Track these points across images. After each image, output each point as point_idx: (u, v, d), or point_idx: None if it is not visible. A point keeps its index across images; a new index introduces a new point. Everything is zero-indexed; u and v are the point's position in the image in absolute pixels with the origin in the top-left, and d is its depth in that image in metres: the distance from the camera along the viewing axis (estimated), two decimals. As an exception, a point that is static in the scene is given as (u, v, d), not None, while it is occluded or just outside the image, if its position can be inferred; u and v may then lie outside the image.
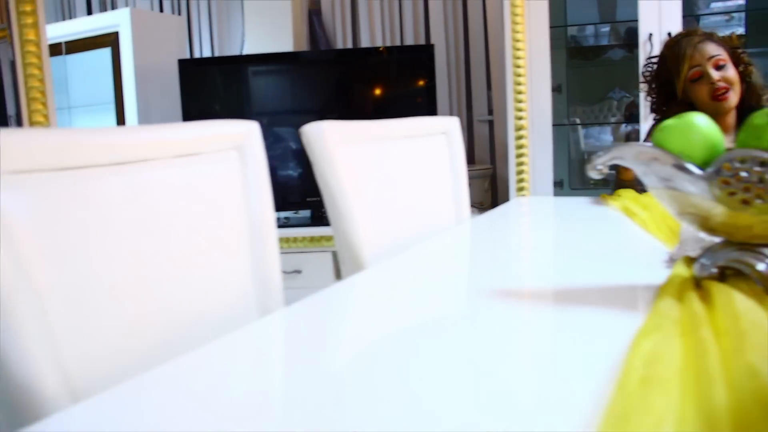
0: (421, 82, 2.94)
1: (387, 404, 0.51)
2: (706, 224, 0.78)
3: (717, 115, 1.72)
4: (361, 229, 1.21)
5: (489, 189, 3.37)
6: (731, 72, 1.67)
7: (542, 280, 0.95)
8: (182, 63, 2.97)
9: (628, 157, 0.81)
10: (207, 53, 3.99)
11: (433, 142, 1.46)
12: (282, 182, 3.01)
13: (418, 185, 1.39)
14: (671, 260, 0.96)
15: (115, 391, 0.55)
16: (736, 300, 0.67)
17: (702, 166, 0.76)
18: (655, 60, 1.83)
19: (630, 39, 2.89)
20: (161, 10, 4.12)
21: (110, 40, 3.51)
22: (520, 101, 2.54)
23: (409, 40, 3.52)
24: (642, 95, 1.98)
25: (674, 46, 1.73)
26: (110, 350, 0.77)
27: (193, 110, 2.98)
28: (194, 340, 0.70)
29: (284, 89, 3.13)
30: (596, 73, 3.36)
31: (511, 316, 0.76)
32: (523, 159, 2.57)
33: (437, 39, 3.49)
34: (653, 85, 1.82)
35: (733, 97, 1.68)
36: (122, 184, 0.82)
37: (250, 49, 3.76)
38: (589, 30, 3.29)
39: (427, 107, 2.90)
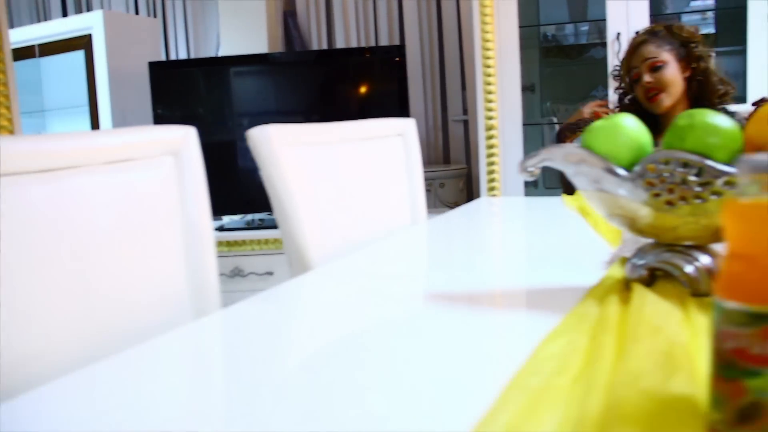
0: (391, 83, 2.93)
1: (309, 406, 0.51)
2: (634, 226, 0.78)
3: (662, 115, 1.75)
4: (308, 231, 1.20)
5: (464, 189, 3.37)
6: (669, 72, 1.72)
7: (482, 283, 0.94)
8: (153, 65, 2.95)
9: (558, 158, 0.80)
10: (183, 55, 3.97)
11: (388, 144, 1.45)
12: (257, 184, 2.99)
13: (372, 187, 1.39)
14: (610, 261, 0.96)
15: (38, 392, 0.55)
16: (647, 303, 0.67)
17: (628, 168, 0.75)
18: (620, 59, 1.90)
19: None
20: (137, 12, 4.10)
21: (83, 43, 3.48)
22: (490, 101, 2.54)
23: (384, 41, 3.51)
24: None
25: (628, 47, 1.81)
26: (37, 357, 0.76)
27: (164, 113, 2.96)
28: (126, 345, 0.69)
29: (256, 91, 3.12)
30: (579, 72, 3.35)
31: (439, 318, 0.75)
32: (494, 159, 2.57)
33: (411, 40, 3.48)
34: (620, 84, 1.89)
35: (666, 99, 1.73)
36: (49, 192, 0.81)
37: (225, 50, 3.74)
38: (569, 29, 3.30)
39: (399, 108, 2.89)
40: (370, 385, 0.56)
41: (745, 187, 0.40)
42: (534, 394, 0.47)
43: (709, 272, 0.74)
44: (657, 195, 0.73)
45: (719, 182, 0.70)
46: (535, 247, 1.16)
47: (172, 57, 3.98)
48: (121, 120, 3.40)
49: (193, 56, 3.93)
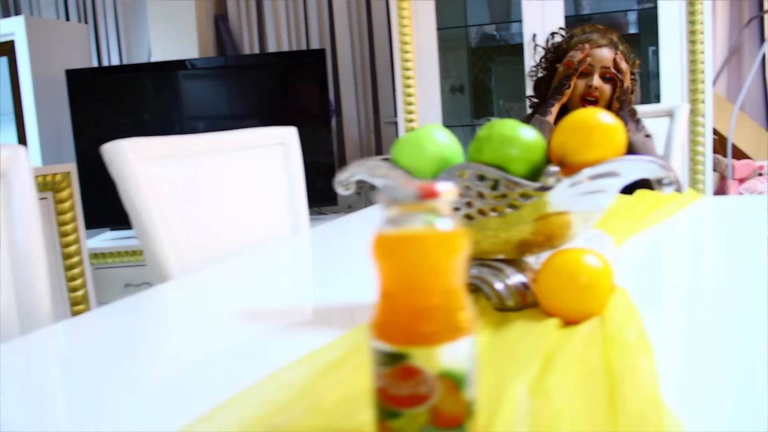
0: (313, 87, 2.89)
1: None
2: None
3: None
4: (169, 247, 1.17)
5: (398, 192, 3.34)
6: (609, 89, 1.69)
7: (321, 296, 0.91)
8: (70, 73, 2.88)
9: (364, 172, 0.78)
10: (115, 61, 3.89)
11: (268, 153, 1.42)
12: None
13: (246, 197, 1.35)
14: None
15: None
16: None
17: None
18: (552, 46, 1.82)
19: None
20: (67, 18, 4.00)
21: (7, 49, 3.39)
22: (410, 103, 2.51)
23: (315, 44, 3.47)
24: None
25: (581, 39, 1.72)
26: None
27: (83, 121, 2.89)
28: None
29: (173, 98, 3.07)
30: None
31: (256, 333, 0.72)
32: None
33: (342, 42, 3.45)
34: (540, 78, 1.83)
35: None
36: None
37: (157, 56, 3.67)
38: (515, 27, 3.27)
39: (320, 112, 2.86)
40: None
41: (389, 218, 0.37)
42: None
43: (519, 288, 0.72)
44: (456, 209, 0.71)
45: (515, 195, 0.68)
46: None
47: (105, 63, 3.89)
48: (46, 129, 3.32)
49: (125, 62, 3.85)
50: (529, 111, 1.89)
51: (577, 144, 0.69)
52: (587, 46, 1.68)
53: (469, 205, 0.70)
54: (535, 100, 1.86)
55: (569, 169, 0.69)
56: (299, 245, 1.31)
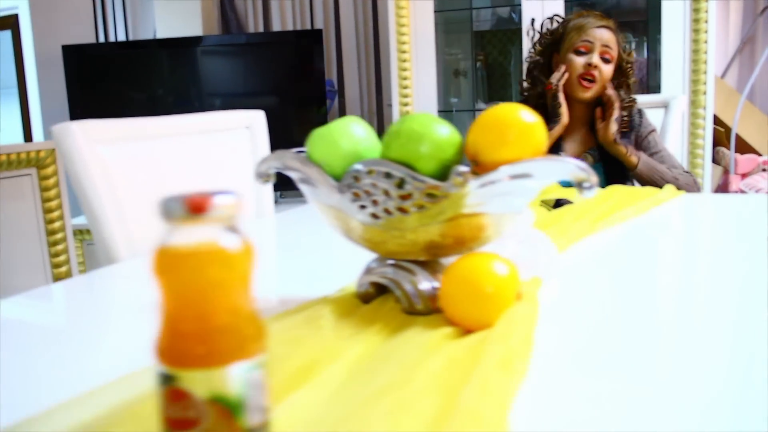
0: (310, 68, 2.85)
1: None
2: (351, 237, 0.72)
3: (572, 100, 1.66)
4: (118, 231, 1.15)
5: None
6: (609, 71, 1.63)
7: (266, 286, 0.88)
8: (66, 49, 2.87)
9: (281, 164, 0.74)
10: (121, 37, 3.88)
11: (233, 137, 1.39)
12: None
13: (209, 181, 1.33)
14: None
15: None
16: (323, 317, 0.63)
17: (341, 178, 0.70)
18: (548, 31, 1.76)
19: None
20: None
21: (11, 23, 3.40)
22: (405, 86, 2.47)
23: (320, 24, 3.43)
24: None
25: (581, 18, 1.67)
26: None
27: (80, 98, 2.88)
28: None
29: (172, 76, 3.04)
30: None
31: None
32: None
33: (347, 23, 3.40)
34: (534, 62, 1.77)
35: (591, 92, 1.63)
36: None
37: (161, 33, 3.66)
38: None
39: (317, 93, 2.83)
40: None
41: (168, 232, 0.34)
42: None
43: (429, 292, 0.68)
44: (363, 207, 0.68)
45: (421, 195, 0.65)
46: (333, 252, 1.10)
47: (111, 39, 3.88)
48: (49, 103, 3.33)
49: (131, 38, 3.84)
50: (521, 97, 1.83)
51: (490, 142, 0.65)
52: (563, 67, 1.64)
53: (375, 203, 0.67)
54: (526, 84, 1.80)
55: (483, 168, 0.66)
56: (256, 231, 1.28)
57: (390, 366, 0.52)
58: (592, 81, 1.62)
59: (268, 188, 1.42)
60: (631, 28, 2.85)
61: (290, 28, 3.49)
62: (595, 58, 1.62)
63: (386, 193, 0.66)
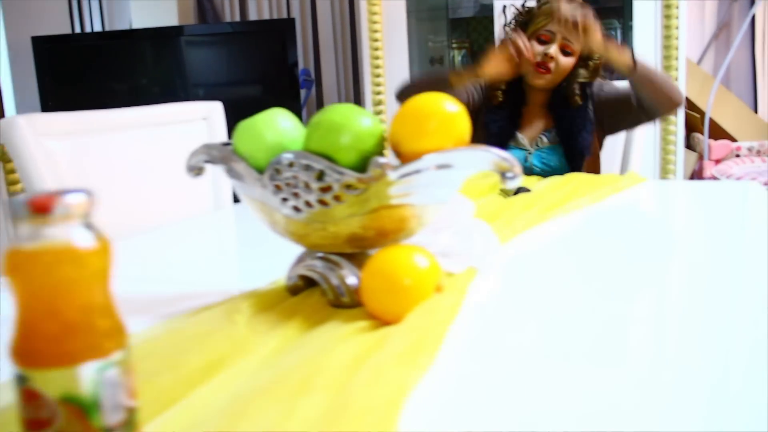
0: (282, 58, 2.83)
1: None
2: (277, 230, 0.71)
3: (530, 87, 1.63)
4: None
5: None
6: (567, 64, 1.57)
7: (182, 282, 0.87)
8: (36, 40, 2.84)
9: (207, 157, 0.73)
10: (98, 27, 3.84)
11: (190, 129, 1.38)
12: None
13: (165, 174, 1.31)
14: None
15: None
16: (240, 311, 0.63)
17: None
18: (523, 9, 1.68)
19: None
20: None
21: (-18, 15, 3.36)
22: (377, 75, 2.45)
23: (296, 13, 3.41)
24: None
25: (548, 5, 1.59)
26: None
27: (53, 90, 2.86)
28: None
29: (149, 67, 3.02)
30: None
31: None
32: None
33: (323, 11, 3.38)
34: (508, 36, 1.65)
35: (545, 81, 1.58)
36: None
37: (137, 23, 3.62)
38: None
39: (288, 82, 2.81)
40: None
41: (18, 231, 0.33)
42: None
43: (355, 285, 0.68)
44: (285, 200, 0.67)
45: (341, 187, 0.64)
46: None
47: (87, 30, 3.85)
48: (23, 95, 3.29)
49: (107, 29, 3.80)
50: None
51: (411, 132, 0.64)
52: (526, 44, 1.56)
53: (296, 196, 0.66)
54: None
55: (405, 159, 0.65)
56: (210, 225, 1.27)
57: (292, 361, 0.52)
58: (547, 71, 1.57)
59: (226, 181, 1.40)
60: (607, 14, 2.84)
61: (267, 17, 3.46)
62: (553, 50, 1.56)
63: (307, 185, 0.65)
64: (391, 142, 0.66)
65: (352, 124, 0.65)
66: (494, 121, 1.61)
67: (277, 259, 0.74)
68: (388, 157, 0.65)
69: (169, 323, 0.63)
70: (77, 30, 3.78)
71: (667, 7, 2.25)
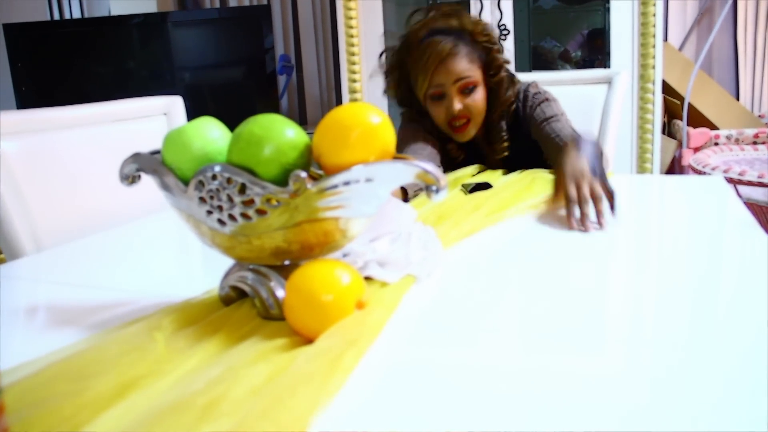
0: (258, 45, 2.81)
1: None
2: (205, 242, 0.70)
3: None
4: (21, 227, 1.13)
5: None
6: (479, 95, 1.35)
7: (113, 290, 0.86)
8: (7, 27, 2.80)
9: (137, 166, 0.72)
10: (77, 14, 3.80)
11: (150, 124, 1.36)
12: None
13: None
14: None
15: None
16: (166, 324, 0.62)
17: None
18: (394, 50, 1.41)
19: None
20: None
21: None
22: (353, 62, 2.43)
23: (276, 1, 3.37)
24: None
25: (419, 45, 1.32)
26: None
27: (24, 78, 2.83)
28: None
29: (113, 54, 2.98)
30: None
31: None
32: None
33: (303, -2, 3.35)
34: (394, 75, 1.43)
35: (473, 128, 1.38)
36: None
37: (116, 10, 3.58)
38: None
39: (264, 70, 2.79)
40: None
41: None
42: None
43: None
44: (210, 213, 0.66)
45: (261, 201, 0.63)
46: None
47: (66, 16, 3.81)
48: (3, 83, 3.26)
49: (87, 15, 3.76)
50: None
51: (333, 144, 0.63)
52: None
53: (220, 209, 0.65)
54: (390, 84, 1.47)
55: (328, 171, 0.64)
56: (158, 227, 1.25)
57: (200, 384, 0.51)
58: (465, 122, 1.36)
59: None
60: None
61: (246, 3, 3.43)
62: (457, 105, 1.33)
63: (230, 198, 0.64)
64: (314, 154, 0.65)
65: (274, 136, 0.63)
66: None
67: (217, 265, 0.73)
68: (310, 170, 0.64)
69: (86, 341, 0.62)
70: (56, 16, 3.74)
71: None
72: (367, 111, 0.63)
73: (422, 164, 0.62)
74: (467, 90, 1.33)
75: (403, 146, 1.37)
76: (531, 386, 0.53)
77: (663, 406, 0.48)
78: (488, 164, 1.44)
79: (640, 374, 0.55)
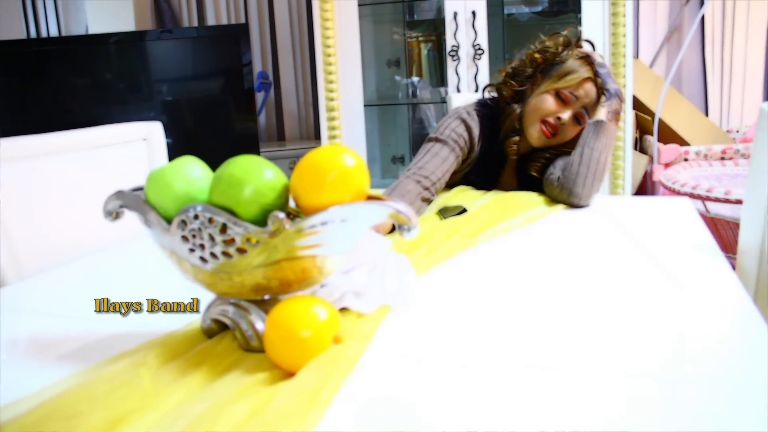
0: (236, 63, 2.84)
1: None
2: (188, 277, 0.73)
3: (524, 143, 1.50)
4: (3, 254, 1.14)
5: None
6: (573, 132, 1.44)
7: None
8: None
9: (121, 204, 0.75)
10: (54, 32, 3.80)
11: (129, 150, 1.38)
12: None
13: (100, 197, 1.32)
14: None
15: None
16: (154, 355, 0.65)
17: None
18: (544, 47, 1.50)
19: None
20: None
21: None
22: (330, 81, 2.46)
23: (254, 17, 3.40)
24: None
25: (576, 61, 1.43)
26: None
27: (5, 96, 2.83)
28: None
29: (90, 72, 2.99)
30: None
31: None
32: (336, 141, 2.51)
33: (281, 16, 3.38)
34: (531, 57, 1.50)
35: (541, 143, 1.46)
36: None
37: (93, 28, 3.59)
38: None
39: (242, 87, 2.82)
40: None
41: None
42: None
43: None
44: (192, 250, 0.69)
45: (241, 240, 0.66)
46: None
47: (44, 35, 3.81)
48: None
49: (64, 33, 3.77)
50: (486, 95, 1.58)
51: (309, 186, 0.66)
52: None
53: (202, 247, 0.68)
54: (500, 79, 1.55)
55: (305, 212, 0.67)
56: (142, 252, 1.26)
57: (184, 423, 0.54)
58: (554, 133, 1.44)
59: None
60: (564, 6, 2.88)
61: (225, 22, 3.46)
62: (566, 115, 1.41)
63: (212, 237, 0.67)
64: (292, 195, 0.68)
65: (253, 177, 0.66)
66: (472, 183, 1.49)
67: (199, 292, 0.75)
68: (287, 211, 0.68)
69: (75, 377, 0.65)
70: (33, 34, 3.74)
71: (614, 4, 2.29)
72: (342, 154, 0.67)
73: (395, 205, 0.65)
74: (579, 117, 1.44)
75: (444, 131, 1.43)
76: (508, 415, 0.56)
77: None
78: (502, 182, 1.53)
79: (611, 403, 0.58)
